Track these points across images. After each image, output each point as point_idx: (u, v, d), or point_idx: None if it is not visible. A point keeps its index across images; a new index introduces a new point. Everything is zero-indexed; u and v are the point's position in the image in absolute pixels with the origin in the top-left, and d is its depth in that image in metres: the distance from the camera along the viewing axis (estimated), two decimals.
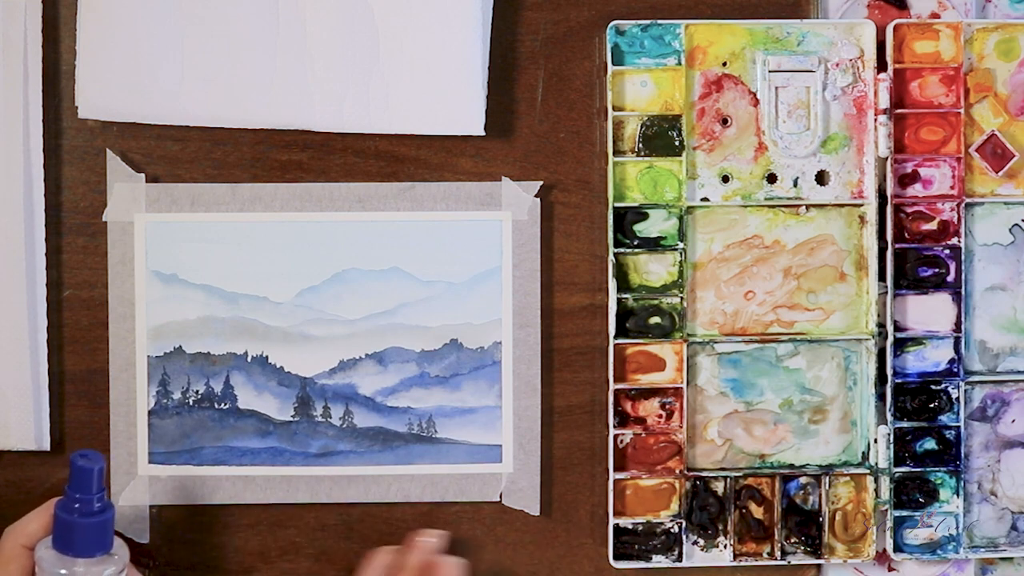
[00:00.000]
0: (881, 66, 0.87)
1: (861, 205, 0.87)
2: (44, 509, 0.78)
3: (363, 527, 0.88)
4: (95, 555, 0.76)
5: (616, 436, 0.87)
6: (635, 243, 0.86)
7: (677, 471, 0.87)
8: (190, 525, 0.87)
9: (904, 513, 0.88)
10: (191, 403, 0.86)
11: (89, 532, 0.76)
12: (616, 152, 0.86)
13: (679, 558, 0.87)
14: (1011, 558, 0.90)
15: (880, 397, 0.87)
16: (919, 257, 0.87)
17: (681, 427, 0.87)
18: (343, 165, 0.86)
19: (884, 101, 0.86)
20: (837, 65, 0.87)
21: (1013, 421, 0.89)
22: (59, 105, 0.85)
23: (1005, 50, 0.88)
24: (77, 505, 0.75)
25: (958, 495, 0.88)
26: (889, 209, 0.87)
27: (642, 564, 0.87)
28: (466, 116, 0.84)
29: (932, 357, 0.88)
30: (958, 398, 0.88)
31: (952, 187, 0.87)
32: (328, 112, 0.84)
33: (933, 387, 0.88)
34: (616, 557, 0.87)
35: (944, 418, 0.88)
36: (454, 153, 0.87)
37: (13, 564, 0.77)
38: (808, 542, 0.88)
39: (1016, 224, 0.88)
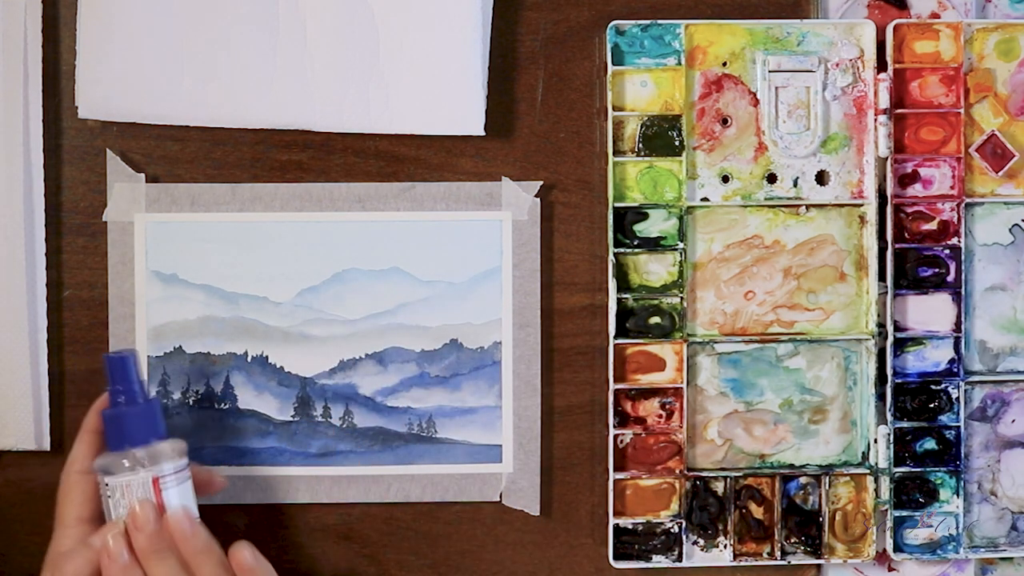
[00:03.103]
0: (881, 66, 0.87)
1: (861, 205, 0.87)
2: (82, 433, 0.79)
3: (363, 527, 0.88)
4: (150, 441, 0.77)
5: (616, 436, 0.87)
6: (635, 243, 0.86)
7: (677, 471, 0.87)
8: None
9: (904, 513, 0.88)
10: (191, 403, 0.86)
11: (139, 419, 0.77)
12: (616, 152, 0.86)
13: (679, 558, 0.87)
14: (1011, 558, 0.90)
15: (880, 397, 0.87)
16: (919, 257, 0.87)
17: (681, 427, 0.87)
18: (343, 165, 0.86)
19: (884, 101, 0.86)
20: (837, 65, 0.87)
21: (1013, 421, 0.89)
22: (59, 105, 0.85)
23: (1005, 50, 0.88)
24: (121, 398, 0.77)
25: (958, 495, 0.88)
26: (889, 209, 0.87)
27: (642, 564, 0.87)
28: (466, 116, 0.84)
29: (932, 357, 0.88)
30: (958, 398, 0.88)
31: (952, 187, 0.87)
32: (328, 112, 0.84)
33: (933, 387, 0.88)
34: (616, 557, 0.87)
35: (944, 418, 0.88)
36: (454, 153, 0.87)
37: (75, 491, 0.77)
38: (808, 542, 0.88)
39: (1016, 224, 0.88)
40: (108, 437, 0.77)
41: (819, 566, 0.90)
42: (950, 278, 0.87)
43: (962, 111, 0.87)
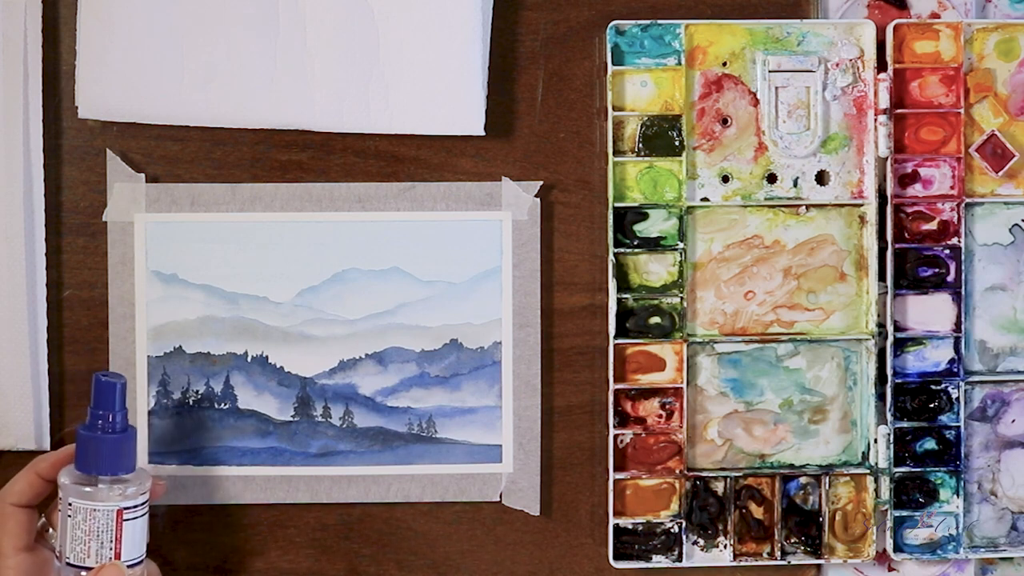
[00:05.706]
0: (881, 66, 0.87)
1: (861, 205, 0.87)
2: (27, 470, 0.78)
3: (363, 527, 0.88)
4: (118, 473, 0.77)
5: (616, 436, 0.87)
6: (635, 243, 0.86)
7: (677, 471, 0.87)
8: (190, 525, 0.87)
9: (904, 513, 0.88)
10: (191, 403, 0.86)
11: (113, 448, 0.77)
12: (616, 152, 0.86)
13: (679, 558, 0.87)
14: (1011, 558, 0.90)
15: (880, 397, 0.87)
16: (919, 257, 0.87)
17: (681, 427, 0.87)
18: (343, 165, 0.86)
19: (884, 101, 0.86)
20: (837, 65, 0.87)
21: (1013, 421, 0.89)
22: (59, 105, 0.85)
23: (1005, 50, 0.88)
24: (100, 423, 0.77)
25: (958, 495, 0.88)
26: (889, 209, 0.87)
27: (642, 564, 0.87)
28: (466, 116, 0.84)
29: (932, 357, 0.88)
30: (958, 398, 0.88)
31: (952, 187, 0.87)
32: (328, 112, 0.84)
33: (933, 387, 0.88)
34: (616, 557, 0.87)
35: (944, 418, 0.88)
36: (454, 153, 0.87)
37: (11, 522, 0.77)
38: (808, 542, 0.88)
39: (1016, 224, 0.88)
40: (79, 456, 0.77)
41: (819, 566, 0.90)
42: (950, 278, 0.87)
43: (962, 111, 0.87)
